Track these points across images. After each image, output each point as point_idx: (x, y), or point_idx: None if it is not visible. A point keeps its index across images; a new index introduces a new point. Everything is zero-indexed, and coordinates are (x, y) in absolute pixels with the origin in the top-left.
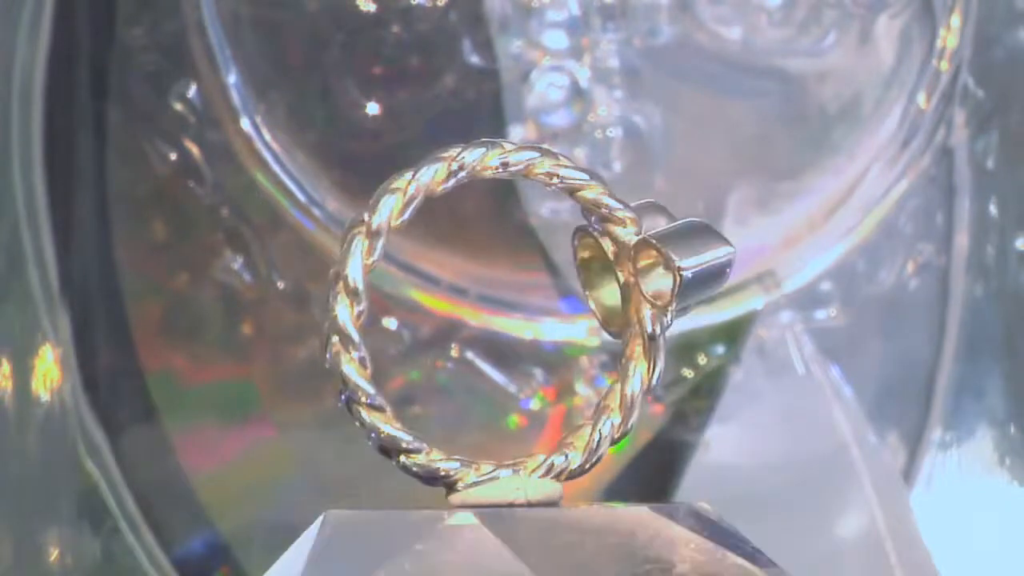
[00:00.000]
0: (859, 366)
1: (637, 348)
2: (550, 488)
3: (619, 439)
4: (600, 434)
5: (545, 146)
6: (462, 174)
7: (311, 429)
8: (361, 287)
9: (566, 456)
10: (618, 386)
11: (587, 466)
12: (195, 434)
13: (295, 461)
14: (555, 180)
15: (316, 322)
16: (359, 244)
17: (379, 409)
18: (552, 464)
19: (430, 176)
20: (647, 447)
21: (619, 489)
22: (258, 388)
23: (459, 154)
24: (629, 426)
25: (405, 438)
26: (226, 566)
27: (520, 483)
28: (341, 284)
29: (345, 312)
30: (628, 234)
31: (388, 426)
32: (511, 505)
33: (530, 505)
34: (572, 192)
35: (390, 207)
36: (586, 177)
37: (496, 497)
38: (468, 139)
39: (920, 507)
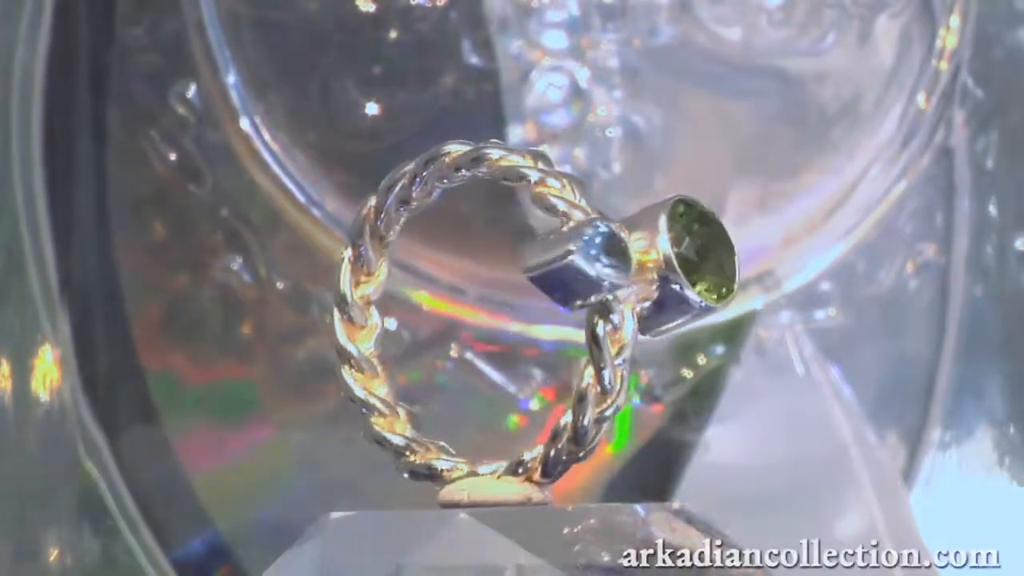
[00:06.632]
0: (859, 366)
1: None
2: (525, 488)
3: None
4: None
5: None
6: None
7: (311, 429)
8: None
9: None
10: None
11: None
12: (195, 434)
13: (295, 461)
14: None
15: (316, 322)
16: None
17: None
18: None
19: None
20: (647, 447)
21: (619, 489)
22: (258, 388)
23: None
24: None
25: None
26: (226, 566)
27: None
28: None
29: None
30: None
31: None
32: (497, 504)
33: (510, 504)
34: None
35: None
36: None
37: (482, 495)
38: (468, 139)
39: (920, 507)
